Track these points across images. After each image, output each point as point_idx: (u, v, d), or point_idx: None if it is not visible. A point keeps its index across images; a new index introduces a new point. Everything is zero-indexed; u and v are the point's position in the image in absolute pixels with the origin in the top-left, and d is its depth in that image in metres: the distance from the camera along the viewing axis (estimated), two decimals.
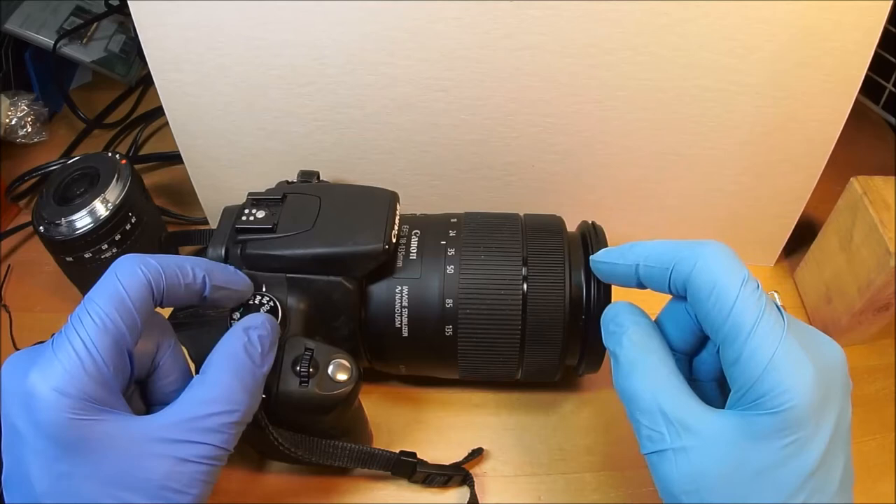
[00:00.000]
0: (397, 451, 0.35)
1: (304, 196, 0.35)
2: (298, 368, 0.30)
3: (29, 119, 0.55)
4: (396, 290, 0.35)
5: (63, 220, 0.40)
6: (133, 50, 0.62)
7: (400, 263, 0.35)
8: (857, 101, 0.39)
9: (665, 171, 0.44)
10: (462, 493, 0.37)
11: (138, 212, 0.43)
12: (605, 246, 0.35)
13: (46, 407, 0.23)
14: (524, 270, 0.35)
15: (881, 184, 0.40)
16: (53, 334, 0.25)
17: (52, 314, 0.45)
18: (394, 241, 0.34)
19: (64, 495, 0.24)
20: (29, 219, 0.43)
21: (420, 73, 0.39)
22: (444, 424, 0.40)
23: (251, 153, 0.45)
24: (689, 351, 0.29)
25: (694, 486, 0.24)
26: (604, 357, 0.36)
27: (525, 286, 0.35)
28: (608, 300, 0.34)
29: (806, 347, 0.23)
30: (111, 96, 0.62)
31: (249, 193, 0.35)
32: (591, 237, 0.36)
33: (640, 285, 0.28)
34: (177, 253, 0.47)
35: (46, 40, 0.56)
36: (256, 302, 0.32)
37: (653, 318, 0.29)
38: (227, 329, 0.29)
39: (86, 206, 0.40)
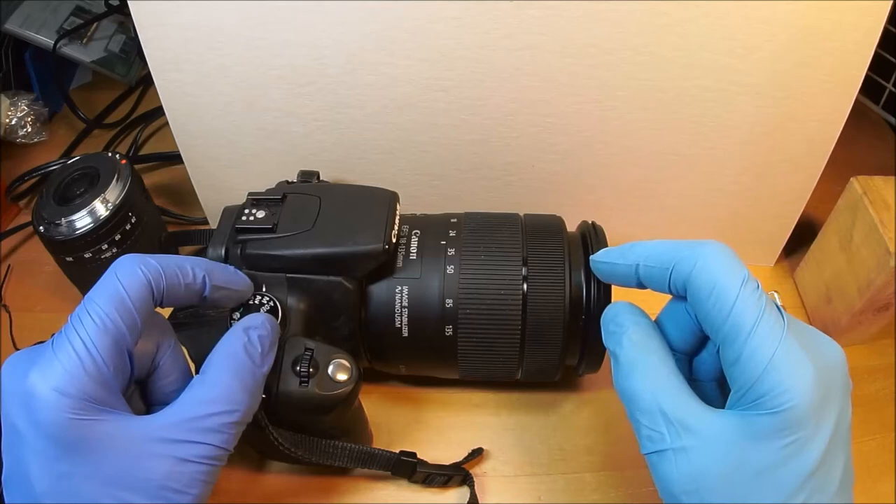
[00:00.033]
0: (397, 451, 0.35)
1: (304, 196, 0.35)
2: (298, 368, 0.30)
3: (29, 119, 0.55)
4: (396, 290, 0.35)
5: (63, 220, 0.40)
6: (133, 50, 0.62)
7: (400, 263, 0.35)
8: (857, 101, 0.39)
9: (665, 171, 0.44)
10: (462, 493, 0.37)
11: (138, 212, 0.43)
12: (605, 246, 0.35)
13: (46, 407, 0.23)
14: (524, 270, 0.35)
15: (881, 184, 0.40)
16: (53, 334, 0.25)
17: (52, 314, 0.45)
18: (394, 241, 0.34)
19: (64, 495, 0.24)
20: (29, 219, 0.43)
21: (420, 73, 0.39)
22: (444, 424, 0.40)
23: (251, 153, 0.45)
24: (689, 351, 0.29)
25: (694, 486, 0.24)
26: (604, 357, 0.36)
27: (525, 286, 0.35)
28: (608, 300, 0.34)
29: (806, 347, 0.23)
30: (111, 96, 0.62)
31: (249, 193, 0.35)
32: (591, 237, 0.36)
33: (640, 285, 0.28)
34: (177, 253, 0.47)
35: (46, 40, 0.56)
36: (256, 302, 0.32)
37: (653, 319, 0.29)
38: (227, 329, 0.29)
39: (86, 206, 0.40)
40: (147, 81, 0.63)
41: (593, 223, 0.38)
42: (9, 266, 0.49)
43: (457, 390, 0.41)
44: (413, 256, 0.35)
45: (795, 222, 0.46)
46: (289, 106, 0.42)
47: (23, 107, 0.55)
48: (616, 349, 0.27)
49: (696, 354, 0.29)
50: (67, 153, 0.57)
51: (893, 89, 0.54)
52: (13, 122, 0.54)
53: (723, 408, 0.25)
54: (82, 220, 0.40)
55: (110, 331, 0.25)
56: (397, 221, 0.35)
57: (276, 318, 0.32)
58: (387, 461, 0.35)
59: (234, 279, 0.31)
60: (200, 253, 0.48)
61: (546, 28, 0.37)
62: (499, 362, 0.36)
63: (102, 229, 0.41)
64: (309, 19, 0.38)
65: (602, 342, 0.29)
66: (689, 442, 0.24)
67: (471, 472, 0.37)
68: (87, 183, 0.42)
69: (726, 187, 0.44)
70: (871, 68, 0.38)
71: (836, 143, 0.41)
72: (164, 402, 0.27)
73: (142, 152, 0.57)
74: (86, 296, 0.25)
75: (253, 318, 0.30)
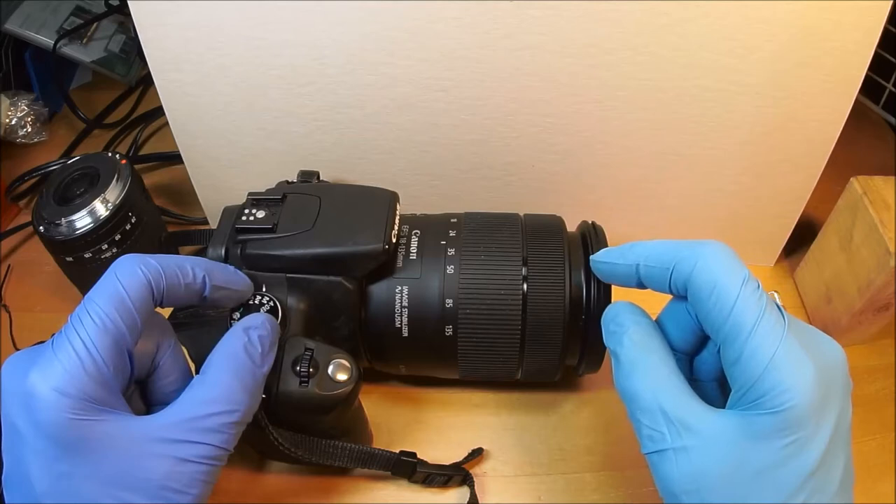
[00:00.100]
0: (397, 451, 0.35)
1: (304, 196, 0.35)
2: (298, 368, 0.30)
3: (29, 119, 0.55)
4: (396, 290, 0.35)
5: (63, 220, 0.40)
6: (133, 50, 0.62)
7: (400, 263, 0.35)
8: (857, 101, 0.39)
9: (665, 171, 0.44)
10: (462, 493, 0.37)
11: (138, 212, 0.43)
12: (605, 246, 0.35)
13: (46, 407, 0.23)
14: (524, 270, 0.35)
15: (881, 184, 0.40)
16: (53, 334, 0.25)
17: (52, 314, 0.45)
18: (394, 241, 0.34)
19: (64, 495, 0.24)
20: (29, 219, 0.43)
21: (420, 73, 0.39)
22: (444, 424, 0.40)
23: (251, 153, 0.45)
24: (689, 351, 0.29)
25: (694, 485, 0.24)
26: (604, 357, 0.36)
27: (525, 286, 0.35)
28: (608, 300, 0.34)
29: (806, 347, 0.23)
30: (111, 96, 0.62)
31: (249, 193, 0.35)
32: (591, 237, 0.36)
33: (641, 285, 0.28)
34: (177, 253, 0.47)
35: (46, 40, 0.56)
36: (256, 302, 0.32)
37: (653, 319, 0.29)
38: (227, 329, 0.29)
39: (86, 206, 0.40)
40: (147, 81, 0.63)
41: (593, 223, 0.38)
42: (9, 266, 0.49)
43: (457, 390, 0.41)
44: (413, 256, 0.35)
45: (795, 222, 0.46)
46: (289, 106, 0.42)
47: (23, 107, 0.55)
48: (617, 349, 0.27)
49: (697, 354, 0.29)
50: (67, 153, 0.57)
51: (893, 89, 0.54)
52: (13, 122, 0.54)
53: (723, 408, 0.25)
54: (82, 220, 0.40)
55: (110, 331, 0.25)
56: (397, 221, 0.35)
57: (276, 318, 0.32)
58: (387, 461, 0.35)
59: (234, 279, 0.31)
60: (200, 253, 0.48)
61: (546, 28, 0.37)
62: (499, 362, 0.36)
63: (102, 229, 0.41)
64: (309, 19, 0.38)
65: (602, 342, 0.29)
66: (690, 441, 0.24)
67: (471, 472, 0.37)
68: (87, 183, 0.42)
69: (726, 187, 0.44)
70: (871, 68, 0.38)
71: (836, 143, 0.41)
72: (164, 402, 0.27)
73: (142, 152, 0.57)
74: (86, 296, 0.25)
75: (253, 318, 0.30)
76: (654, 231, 0.48)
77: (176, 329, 0.30)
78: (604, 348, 0.29)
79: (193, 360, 0.32)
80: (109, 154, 0.44)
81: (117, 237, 0.41)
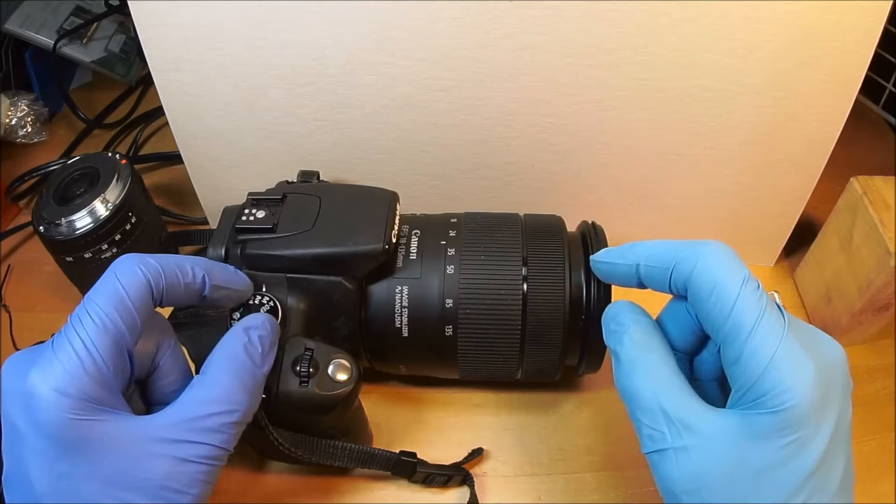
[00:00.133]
0: (397, 451, 0.35)
1: (304, 196, 0.35)
2: (298, 368, 0.30)
3: (29, 119, 0.55)
4: (396, 290, 0.35)
5: (63, 220, 0.40)
6: (133, 50, 0.62)
7: (400, 263, 0.35)
8: (857, 101, 0.39)
9: (665, 171, 0.44)
10: (462, 493, 0.37)
11: (138, 212, 0.43)
12: (605, 246, 0.35)
13: (46, 407, 0.23)
14: (524, 270, 0.35)
15: (881, 184, 0.40)
16: (53, 334, 0.25)
17: (52, 314, 0.45)
18: (394, 241, 0.34)
19: (64, 495, 0.24)
20: (29, 219, 0.43)
21: (420, 73, 0.39)
22: (444, 424, 0.40)
23: (251, 153, 0.45)
24: (689, 350, 0.29)
25: (695, 485, 0.24)
26: (604, 357, 0.36)
27: (525, 286, 0.35)
28: (608, 300, 0.34)
29: (806, 347, 0.23)
30: (111, 96, 0.62)
31: (249, 193, 0.35)
32: (591, 237, 0.36)
33: (641, 285, 0.28)
34: (177, 253, 0.47)
35: (46, 40, 0.56)
36: (256, 302, 0.32)
37: (653, 318, 0.29)
38: (227, 329, 0.29)
39: (86, 206, 0.40)
40: (147, 81, 0.63)
41: (593, 223, 0.38)
42: (9, 266, 0.49)
43: (457, 390, 0.41)
44: (413, 256, 0.35)
45: (795, 222, 0.46)
46: (289, 106, 0.42)
47: (23, 107, 0.55)
48: (617, 348, 0.27)
49: (697, 354, 0.29)
50: (67, 153, 0.57)
51: (893, 89, 0.54)
52: (13, 122, 0.54)
53: (723, 407, 0.25)
54: (82, 220, 0.40)
55: (110, 331, 0.25)
56: (397, 221, 0.35)
57: (276, 318, 0.32)
58: (387, 461, 0.35)
59: (233, 279, 0.31)
60: (200, 253, 0.48)
61: (546, 28, 0.37)
62: (499, 362, 0.36)
63: (102, 229, 0.40)
64: (309, 19, 0.38)
65: (602, 342, 0.29)
66: (690, 441, 0.24)
67: (471, 472, 0.37)
68: (87, 183, 0.42)
69: (726, 187, 0.44)
70: (871, 68, 0.38)
71: (836, 143, 0.41)
72: (165, 402, 0.27)
73: (142, 152, 0.57)
74: (85, 296, 0.25)
75: (253, 318, 0.30)
76: (654, 231, 0.48)
77: (176, 329, 0.30)
78: (604, 348, 0.29)
79: (193, 360, 0.32)
80: (109, 154, 0.44)
81: (117, 237, 0.41)
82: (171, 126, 0.44)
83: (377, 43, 0.38)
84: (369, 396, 0.39)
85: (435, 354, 0.36)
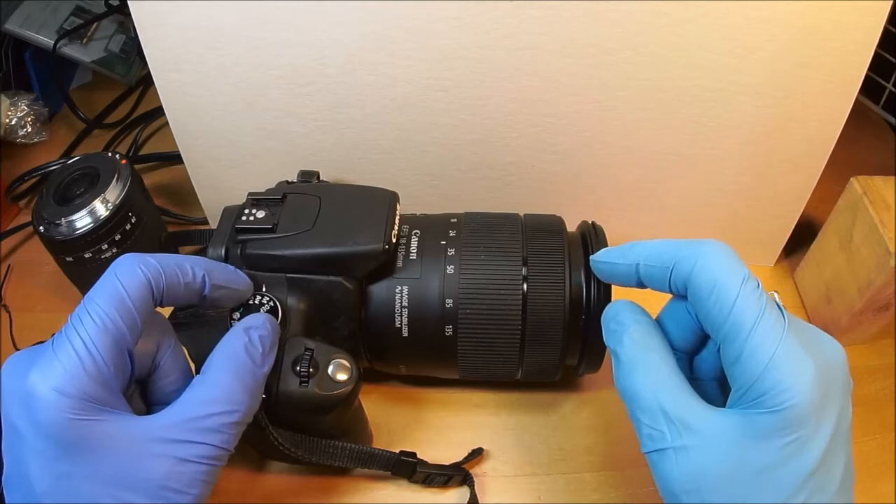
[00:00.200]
0: (397, 451, 0.35)
1: (304, 196, 0.35)
2: (298, 368, 0.30)
3: (29, 119, 0.55)
4: (396, 290, 0.35)
5: (63, 220, 0.40)
6: (133, 50, 0.62)
7: (400, 263, 0.35)
8: (857, 101, 0.39)
9: (665, 171, 0.44)
10: (462, 493, 0.37)
11: (138, 212, 0.43)
12: (605, 246, 0.34)
13: (46, 407, 0.23)
14: (524, 270, 0.35)
15: (881, 184, 0.40)
16: (53, 334, 0.25)
17: (52, 314, 0.45)
18: (394, 241, 0.34)
19: (64, 495, 0.24)
20: (29, 219, 0.43)
21: (420, 73, 0.39)
22: (444, 424, 0.40)
23: (251, 153, 0.45)
24: (689, 350, 0.29)
25: (694, 485, 0.24)
26: (604, 357, 0.36)
27: (525, 286, 0.34)
28: (608, 300, 0.34)
29: (806, 346, 0.23)
30: (111, 96, 0.62)
31: (249, 193, 0.35)
32: (591, 237, 0.36)
33: (641, 285, 0.28)
34: (177, 253, 0.47)
35: (46, 40, 0.56)
36: (256, 302, 0.32)
37: (653, 318, 0.29)
38: (228, 329, 0.29)
39: (86, 206, 0.40)
40: (147, 81, 0.63)
41: (593, 223, 0.38)
42: (9, 266, 0.49)
43: (457, 390, 0.41)
44: (413, 256, 0.35)
45: (795, 222, 0.46)
46: (289, 106, 0.42)
47: (23, 107, 0.55)
48: (617, 347, 0.27)
49: (697, 353, 0.29)
50: (67, 153, 0.57)
51: (893, 89, 0.54)
52: (13, 122, 0.54)
53: (723, 407, 0.25)
54: (82, 220, 0.40)
55: (110, 330, 0.25)
56: (397, 221, 0.35)
57: (276, 318, 0.32)
58: (387, 461, 0.35)
59: (233, 278, 0.31)
60: (200, 253, 0.48)
61: (546, 28, 0.37)
62: (499, 362, 0.36)
63: (102, 229, 0.40)
64: (309, 19, 0.38)
65: (602, 342, 0.29)
66: (690, 441, 0.24)
67: (471, 472, 0.37)
68: (87, 183, 0.42)
69: (726, 187, 0.44)
70: (871, 68, 0.38)
71: (836, 143, 0.41)
72: (165, 402, 0.27)
73: (142, 152, 0.57)
74: (86, 296, 0.25)
75: (253, 319, 0.30)
76: (654, 231, 0.48)
77: (176, 329, 0.30)
78: (604, 348, 0.29)
79: (193, 360, 0.32)
80: (109, 154, 0.44)
81: (117, 237, 0.41)
82: (171, 126, 0.44)
83: (377, 43, 0.38)
84: (369, 396, 0.39)
85: (435, 354, 0.36)
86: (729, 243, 0.26)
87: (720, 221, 0.47)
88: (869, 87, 0.55)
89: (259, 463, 0.38)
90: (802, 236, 0.47)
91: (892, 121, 0.57)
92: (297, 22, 0.38)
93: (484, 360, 0.36)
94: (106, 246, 0.41)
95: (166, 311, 0.33)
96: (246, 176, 0.46)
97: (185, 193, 0.51)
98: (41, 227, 0.40)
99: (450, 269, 0.35)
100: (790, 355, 0.23)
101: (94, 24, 0.60)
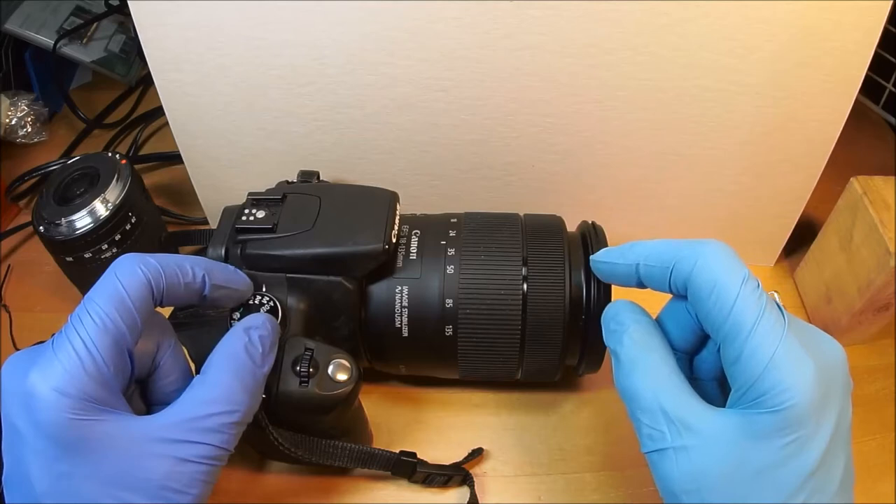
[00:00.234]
0: (397, 451, 0.35)
1: (304, 196, 0.35)
2: (298, 368, 0.30)
3: (29, 119, 0.55)
4: (396, 290, 0.35)
5: (63, 220, 0.40)
6: (133, 50, 0.62)
7: (400, 263, 0.35)
8: (857, 101, 0.39)
9: (665, 171, 0.44)
10: (462, 493, 0.37)
11: (138, 212, 0.43)
12: (605, 246, 0.34)
13: (46, 407, 0.23)
14: (524, 270, 0.35)
15: (881, 184, 0.40)
16: (53, 334, 0.25)
17: (52, 314, 0.45)
18: (394, 241, 0.34)
19: (64, 495, 0.24)
20: (29, 219, 0.43)
21: (420, 73, 0.39)
22: (444, 424, 0.40)
23: (251, 153, 0.45)
24: (689, 350, 0.29)
25: (694, 485, 0.24)
26: (604, 357, 0.36)
27: (525, 286, 0.35)
28: (608, 300, 0.34)
29: (806, 346, 0.23)
30: (111, 96, 0.62)
31: (249, 193, 0.35)
32: (591, 237, 0.36)
33: (641, 285, 0.28)
34: (177, 253, 0.47)
35: (46, 40, 0.56)
36: (256, 302, 0.32)
37: (653, 318, 0.29)
38: (228, 329, 0.29)
39: (86, 206, 0.40)
40: (147, 81, 0.63)
41: (593, 223, 0.38)
42: (9, 266, 0.49)
43: (457, 390, 0.41)
44: (413, 256, 0.35)
45: (795, 222, 0.46)
46: (289, 106, 0.42)
47: (23, 107, 0.55)
48: (617, 347, 0.27)
49: (697, 353, 0.29)
50: (67, 153, 0.57)
51: (893, 89, 0.54)
52: (13, 122, 0.54)
53: (723, 407, 0.25)
54: (82, 220, 0.40)
55: (110, 330, 0.25)
56: (397, 221, 0.35)
57: (276, 318, 0.32)
58: (387, 461, 0.35)
59: (233, 278, 0.31)
60: (200, 253, 0.48)
61: (546, 28, 0.37)
62: (499, 362, 0.36)
63: (102, 229, 0.40)
64: (309, 19, 0.38)
65: (602, 342, 0.29)
66: (690, 441, 0.24)
67: (471, 472, 0.37)
68: (87, 183, 0.42)
69: (726, 187, 0.44)
70: (871, 68, 0.38)
71: (836, 143, 0.41)
72: (165, 402, 0.27)
73: (142, 152, 0.57)
74: (86, 296, 0.25)
75: (253, 319, 0.30)
76: (654, 231, 0.48)
77: (176, 329, 0.30)
78: (604, 348, 0.29)
79: (193, 360, 0.32)
80: (109, 154, 0.44)
81: (117, 237, 0.41)
82: (171, 126, 0.44)
83: (377, 43, 0.38)
84: (369, 396, 0.39)
85: (435, 354, 0.36)
86: (729, 243, 0.26)
87: (720, 221, 0.47)
88: (869, 87, 0.55)
89: (259, 463, 0.38)
90: (802, 236, 0.47)
91: (892, 121, 0.57)
92: (297, 22, 0.38)
93: (484, 360, 0.36)
94: (106, 246, 0.41)
95: (166, 311, 0.33)
96: (246, 176, 0.46)
97: (185, 193, 0.51)
98: (41, 227, 0.40)
99: (450, 269, 0.35)
100: (790, 355, 0.23)
101: (94, 24, 0.60)
